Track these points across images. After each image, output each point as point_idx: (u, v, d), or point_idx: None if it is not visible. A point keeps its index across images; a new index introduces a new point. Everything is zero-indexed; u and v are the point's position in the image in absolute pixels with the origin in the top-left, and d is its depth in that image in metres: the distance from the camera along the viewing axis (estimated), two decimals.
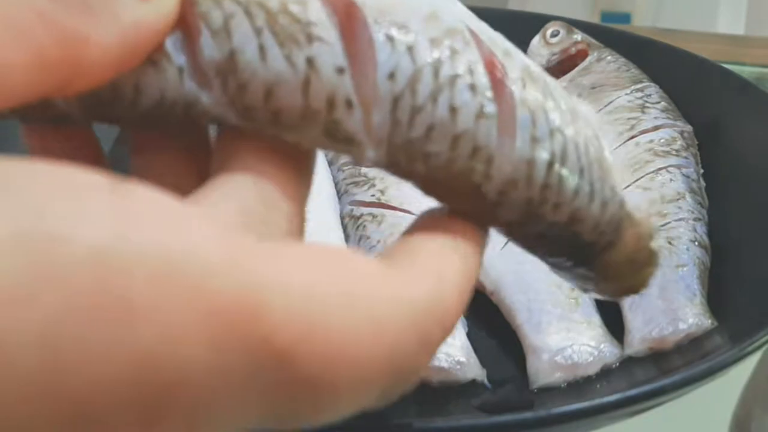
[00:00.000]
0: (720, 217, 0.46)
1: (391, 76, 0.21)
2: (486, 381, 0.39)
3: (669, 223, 0.45)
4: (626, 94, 0.53)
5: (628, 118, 0.52)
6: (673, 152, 0.49)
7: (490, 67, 0.22)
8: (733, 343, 0.36)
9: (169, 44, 0.21)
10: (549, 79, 0.24)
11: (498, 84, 0.22)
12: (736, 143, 0.50)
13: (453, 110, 0.21)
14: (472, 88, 0.22)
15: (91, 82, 0.19)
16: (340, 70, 0.21)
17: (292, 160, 0.21)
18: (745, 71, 0.60)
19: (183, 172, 0.23)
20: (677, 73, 0.55)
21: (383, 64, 0.21)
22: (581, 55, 0.59)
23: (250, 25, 0.21)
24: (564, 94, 0.24)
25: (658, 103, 0.53)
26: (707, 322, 0.40)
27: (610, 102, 0.53)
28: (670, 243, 0.43)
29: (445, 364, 0.38)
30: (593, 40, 0.59)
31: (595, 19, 0.80)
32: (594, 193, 0.24)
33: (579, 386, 0.38)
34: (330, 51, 0.21)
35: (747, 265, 0.43)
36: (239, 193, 0.20)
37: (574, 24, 0.60)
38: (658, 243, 0.26)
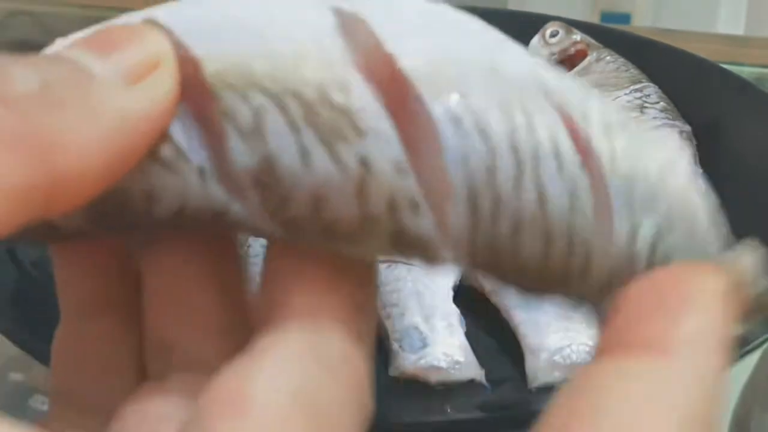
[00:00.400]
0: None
1: (463, 161, 0.17)
2: (484, 381, 0.39)
3: None
4: (625, 94, 0.53)
5: None
6: None
7: (571, 127, 0.18)
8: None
9: (182, 137, 0.17)
10: (626, 114, 0.20)
11: (584, 151, 0.18)
12: (735, 144, 0.50)
13: (542, 196, 0.17)
14: (559, 162, 0.18)
15: (80, 197, 0.16)
16: (399, 165, 0.17)
17: (354, 290, 0.18)
18: (745, 71, 0.60)
19: (199, 276, 0.20)
20: (676, 74, 0.55)
21: (451, 149, 0.17)
22: (580, 56, 0.59)
23: (285, 121, 0.17)
24: (651, 130, 0.21)
25: (657, 103, 0.53)
26: None
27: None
28: None
29: (443, 364, 0.38)
30: (592, 41, 0.59)
31: (594, 19, 0.80)
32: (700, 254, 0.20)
33: None
34: (385, 143, 0.17)
35: None
36: (295, 364, 0.16)
37: (573, 24, 0.60)
38: None
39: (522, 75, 0.18)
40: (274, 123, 0.17)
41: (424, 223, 0.17)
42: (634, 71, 0.56)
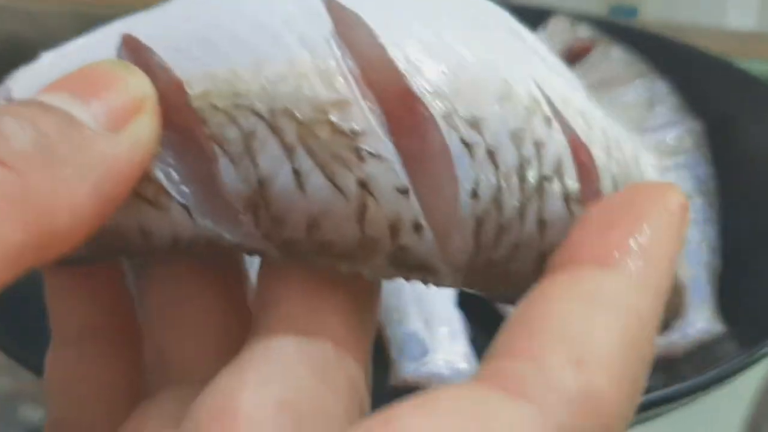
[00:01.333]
0: (731, 218, 0.45)
1: (474, 193, 0.17)
2: None
3: None
4: (633, 90, 0.53)
5: (635, 115, 0.51)
6: (682, 151, 0.48)
7: (577, 152, 0.18)
8: (744, 349, 0.35)
9: (162, 175, 0.17)
10: (621, 132, 0.20)
11: (586, 176, 0.18)
12: (748, 142, 0.49)
13: (542, 224, 0.17)
14: (564, 190, 0.18)
15: (69, 246, 0.16)
16: (403, 190, 0.16)
17: (350, 296, 0.18)
18: (756, 67, 0.59)
19: (199, 287, 0.20)
20: (686, 70, 0.54)
21: (464, 180, 0.17)
22: (586, 50, 0.58)
23: (278, 143, 0.16)
24: (641, 150, 0.20)
25: (667, 100, 0.52)
26: (718, 327, 0.39)
27: (617, 98, 0.52)
28: None
29: (445, 372, 0.37)
30: (599, 35, 0.58)
31: (602, 12, 0.79)
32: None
33: None
34: (388, 168, 0.16)
35: (759, 268, 0.42)
36: (283, 372, 0.16)
37: (580, 17, 0.59)
38: None
39: (530, 93, 0.18)
40: (266, 146, 0.16)
41: (426, 246, 0.17)
42: (642, 66, 0.55)
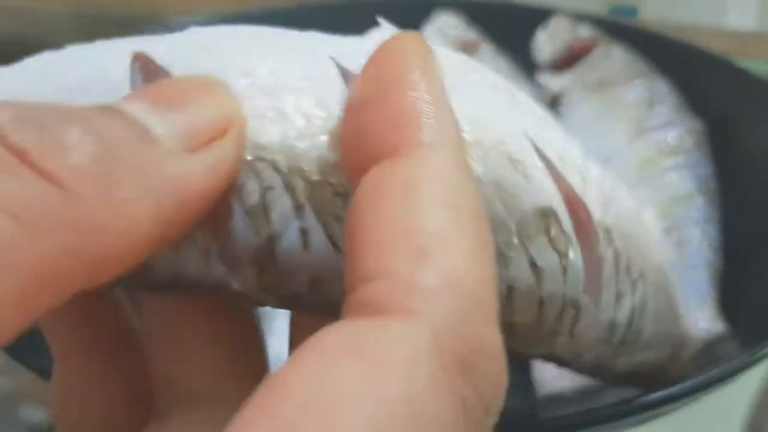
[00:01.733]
0: (733, 218, 0.45)
1: None
2: None
3: (679, 224, 0.44)
4: (634, 89, 0.52)
5: (636, 115, 0.51)
6: (683, 151, 0.48)
7: (573, 206, 0.18)
8: (745, 349, 0.35)
9: None
10: (620, 190, 0.20)
11: (581, 226, 0.18)
12: (748, 142, 0.49)
13: (536, 270, 0.17)
14: (555, 236, 0.17)
15: (125, 267, 0.15)
16: None
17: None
18: (757, 68, 0.59)
19: (198, 308, 0.19)
20: (687, 69, 0.54)
21: None
22: (587, 50, 0.58)
23: (290, 201, 0.16)
24: (638, 210, 0.20)
25: (667, 99, 0.51)
26: (719, 327, 0.39)
27: (617, 98, 0.52)
28: (680, 245, 0.42)
29: None
30: (600, 34, 0.58)
31: (602, 11, 0.79)
32: (664, 342, 0.20)
33: (586, 393, 0.37)
34: None
35: (760, 268, 0.42)
36: None
37: (580, 17, 0.59)
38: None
39: (523, 148, 0.17)
40: (279, 201, 0.16)
41: None
42: (642, 66, 0.55)
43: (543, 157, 0.18)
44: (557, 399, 0.37)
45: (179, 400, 0.18)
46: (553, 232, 0.17)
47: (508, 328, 0.17)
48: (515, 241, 0.17)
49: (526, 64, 0.57)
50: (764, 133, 0.49)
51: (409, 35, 0.16)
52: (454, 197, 0.15)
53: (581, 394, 0.37)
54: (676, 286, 0.21)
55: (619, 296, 0.18)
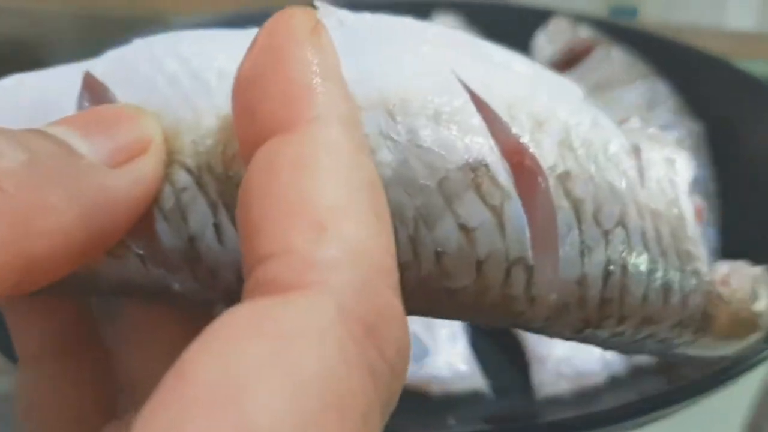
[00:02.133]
0: (733, 220, 0.45)
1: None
2: (489, 391, 0.38)
3: None
4: (634, 91, 0.52)
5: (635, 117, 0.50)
6: None
7: (515, 157, 0.17)
8: (746, 351, 0.35)
9: None
10: (603, 133, 0.18)
11: (524, 177, 0.17)
12: (748, 143, 0.49)
13: (466, 230, 0.16)
14: (486, 190, 0.16)
15: (54, 272, 0.15)
16: None
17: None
18: (757, 68, 0.59)
19: (172, 318, 0.20)
20: (686, 70, 0.54)
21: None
22: (587, 51, 0.58)
23: (205, 200, 0.17)
24: (624, 143, 0.19)
25: (667, 101, 0.51)
26: None
27: (617, 99, 0.52)
28: None
29: (445, 374, 0.37)
30: (599, 36, 0.58)
31: (602, 13, 0.79)
32: (671, 291, 0.18)
33: (585, 396, 0.37)
34: None
35: None
36: None
37: (580, 18, 0.59)
38: (761, 307, 0.21)
39: (454, 105, 0.17)
40: (194, 202, 0.16)
41: None
42: (642, 67, 0.55)
43: (483, 108, 0.17)
44: (556, 402, 0.37)
45: (140, 404, 0.19)
46: (485, 186, 0.16)
47: (446, 294, 0.17)
48: (439, 201, 0.16)
49: None
50: (764, 134, 0.49)
51: (298, 8, 0.16)
52: (347, 170, 0.15)
53: (580, 397, 0.37)
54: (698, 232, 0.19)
55: (585, 250, 0.17)
